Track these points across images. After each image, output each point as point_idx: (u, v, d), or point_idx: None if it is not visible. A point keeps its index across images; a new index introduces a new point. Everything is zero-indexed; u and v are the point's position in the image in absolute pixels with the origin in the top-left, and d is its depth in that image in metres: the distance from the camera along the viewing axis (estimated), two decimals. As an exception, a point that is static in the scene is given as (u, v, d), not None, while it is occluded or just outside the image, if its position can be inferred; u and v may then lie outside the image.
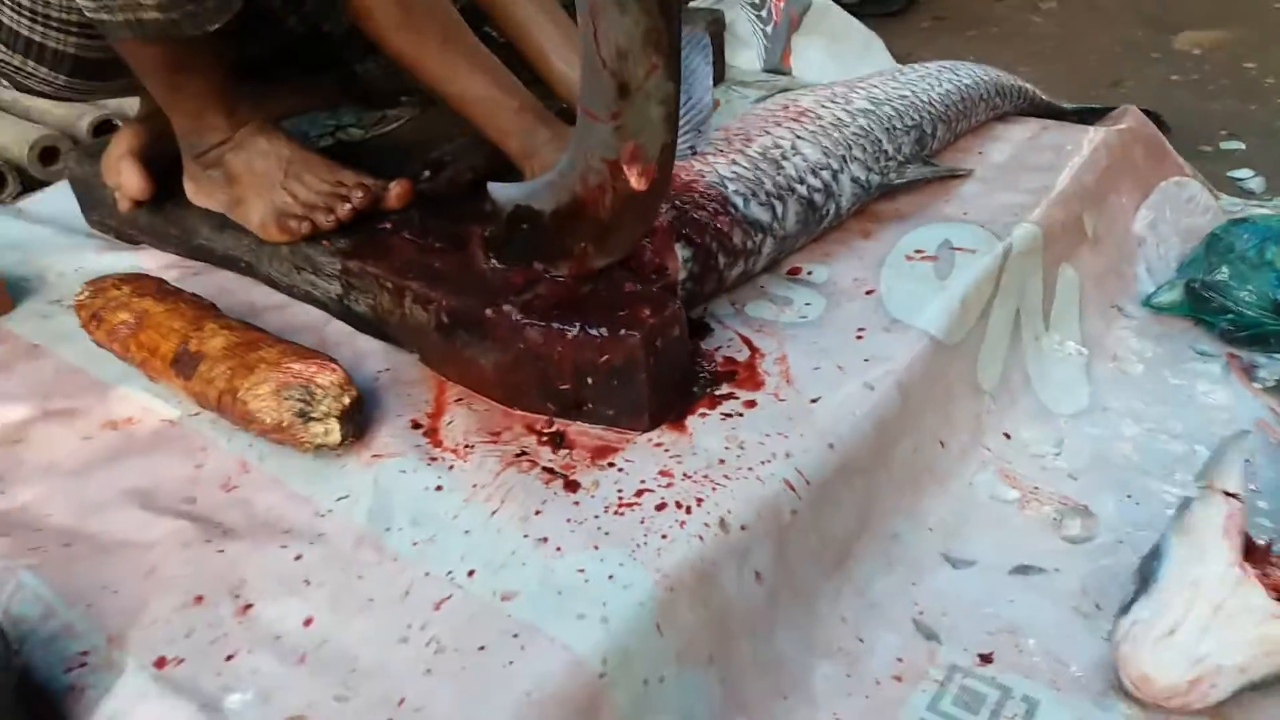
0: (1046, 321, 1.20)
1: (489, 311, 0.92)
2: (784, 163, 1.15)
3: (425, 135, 1.25)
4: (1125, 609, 0.87)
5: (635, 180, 0.79)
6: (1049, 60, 2.11)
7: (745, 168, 1.12)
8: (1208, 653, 0.81)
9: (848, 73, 1.62)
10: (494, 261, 0.96)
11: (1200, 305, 1.24)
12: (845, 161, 1.19)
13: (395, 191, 1.07)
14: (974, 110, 1.40)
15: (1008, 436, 1.11)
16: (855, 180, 1.19)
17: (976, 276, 1.10)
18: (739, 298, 1.13)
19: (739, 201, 1.09)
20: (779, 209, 1.12)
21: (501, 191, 0.93)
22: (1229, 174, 1.62)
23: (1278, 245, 1.23)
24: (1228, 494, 0.86)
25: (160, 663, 0.77)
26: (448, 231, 1.02)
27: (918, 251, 1.16)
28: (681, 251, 1.03)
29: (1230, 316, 1.22)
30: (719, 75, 1.61)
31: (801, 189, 1.14)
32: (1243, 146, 1.70)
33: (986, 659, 0.91)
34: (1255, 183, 1.59)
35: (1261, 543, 0.88)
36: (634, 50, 0.72)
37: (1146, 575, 0.89)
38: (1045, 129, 1.39)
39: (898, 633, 0.93)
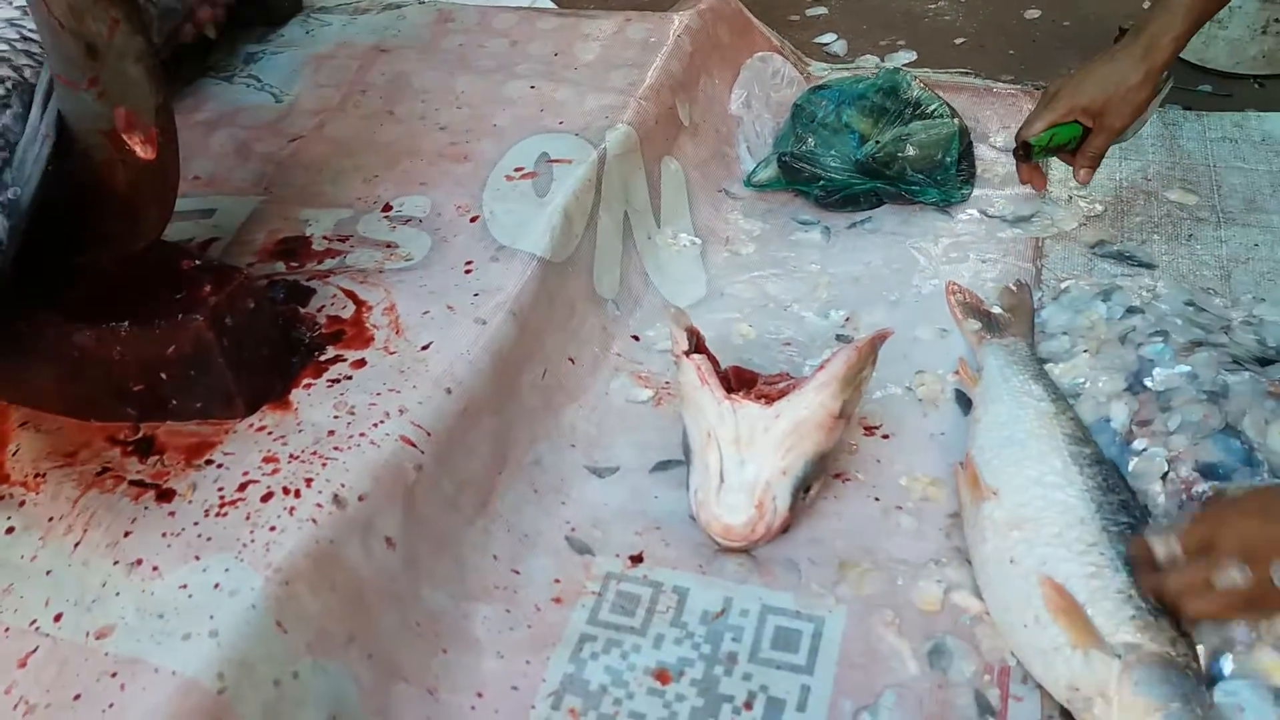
0: (658, 218, 1.22)
1: (24, 323, 0.81)
2: None
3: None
4: (688, 487, 0.93)
5: (141, 150, 0.71)
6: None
7: None
8: (753, 477, 0.89)
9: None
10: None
11: (794, 177, 1.31)
12: None
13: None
14: None
15: (636, 339, 1.13)
16: None
17: (575, 187, 1.10)
18: (339, 249, 1.06)
19: None
20: None
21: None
22: (815, 40, 1.70)
23: (852, 108, 1.32)
24: (688, 354, 0.94)
25: None
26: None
27: (517, 169, 1.14)
28: None
29: (821, 183, 1.29)
30: (295, 6, 1.49)
31: None
32: (826, 11, 1.79)
33: (637, 559, 0.93)
34: (839, 46, 1.69)
35: (755, 376, 0.99)
36: (87, 6, 0.63)
37: (686, 452, 0.95)
38: (629, 21, 1.40)
39: (552, 556, 0.93)
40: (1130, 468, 0.91)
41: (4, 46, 0.82)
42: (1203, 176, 1.33)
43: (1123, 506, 0.86)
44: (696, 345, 0.95)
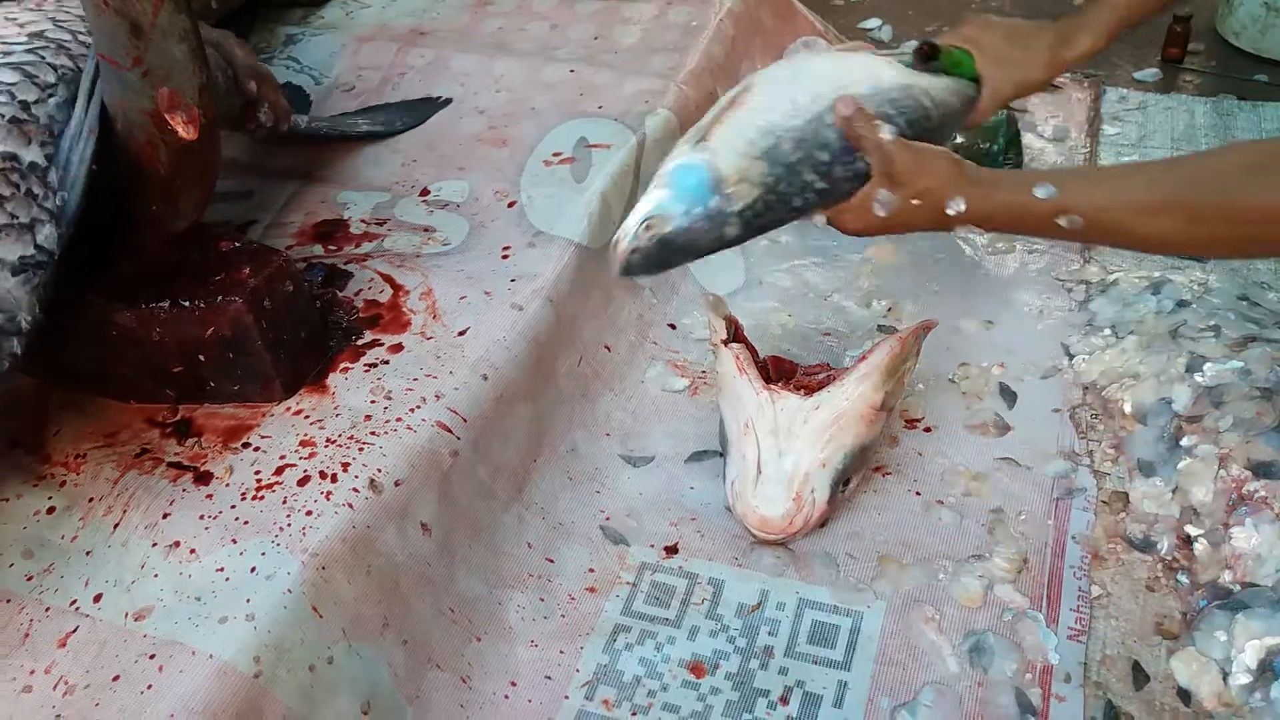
0: (696, 204, 1.20)
1: (66, 303, 0.81)
2: None
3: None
4: (724, 477, 0.92)
5: (184, 130, 0.71)
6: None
7: None
8: (791, 469, 0.88)
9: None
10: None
11: (836, 163, 1.28)
12: None
13: None
14: None
15: (673, 327, 1.12)
16: None
17: (614, 173, 1.08)
18: (377, 233, 1.06)
19: None
20: None
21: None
22: (859, 25, 1.68)
23: (897, 94, 1.29)
24: (726, 343, 0.92)
25: None
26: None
27: (555, 154, 1.13)
28: None
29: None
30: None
31: None
32: (870, -3, 1.77)
33: (672, 550, 0.92)
34: (884, 31, 1.66)
35: (794, 366, 0.97)
36: None
37: (722, 442, 0.94)
38: (670, 4, 1.38)
39: (586, 545, 0.93)
40: (1180, 466, 0.89)
41: (67, 37, 0.82)
42: (1257, 167, 1.29)
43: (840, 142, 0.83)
44: (735, 334, 0.93)
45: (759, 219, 0.81)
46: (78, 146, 0.73)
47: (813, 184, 0.82)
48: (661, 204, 0.78)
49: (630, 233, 0.78)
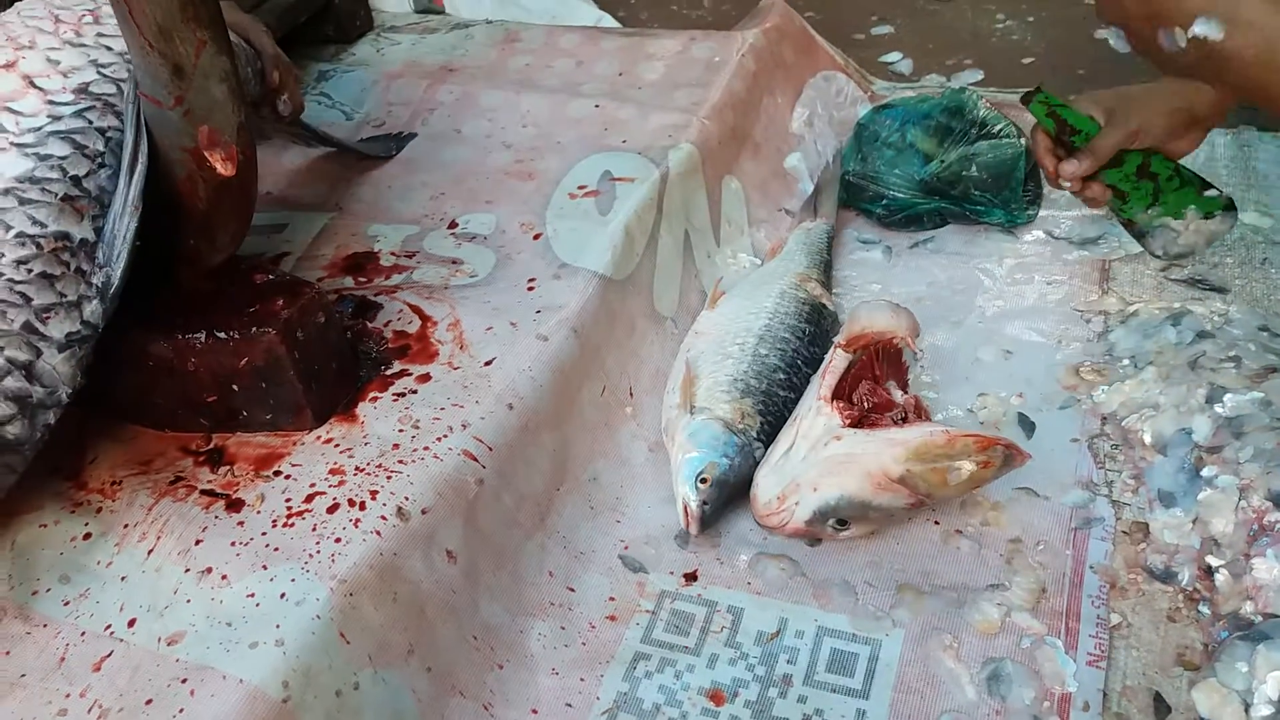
0: (717, 237, 1.22)
1: (105, 334, 0.83)
2: None
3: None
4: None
5: (222, 167, 0.74)
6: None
7: None
8: (795, 473, 0.92)
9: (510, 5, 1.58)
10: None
11: (857, 195, 1.30)
12: None
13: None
14: None
15: (693, 355, 1.14)
16: None
17: (637, 206, 1.10)
18: (406, 265, 1.09)
19: None
20: None
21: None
22: (881, 59, 1.69)
23: (917, 127, 1.31)
24: (840, 346, 0.98)
25: None
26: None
27: (580, 188, 1.15)
28: None
29: (885, 202, 1.29)
30: (366, 24, 1.52)
31: None
32: (891, 30, 1.79)
33: (691, 577, 0.93)
34: (905, 65, 1.68)
35: (896, 395, 0.97)
36: (176, 27, 0.66)
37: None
38: (694, 40, 1.40)
39: (607, 573, 0.94)
40: (1200, 497, 0.89)
41: (112, 90, 0.83)
42: (1278, 199, 1.29)
43: (779, 361, 1.03)
44: (864, 345, 0.98)
45: (768, 432, 0.98)
46: (121, 223, 0.76)
47: (787, 394, 1.01)
48: (701, 459, 0.94)
49: (692, 493, 0.93)
